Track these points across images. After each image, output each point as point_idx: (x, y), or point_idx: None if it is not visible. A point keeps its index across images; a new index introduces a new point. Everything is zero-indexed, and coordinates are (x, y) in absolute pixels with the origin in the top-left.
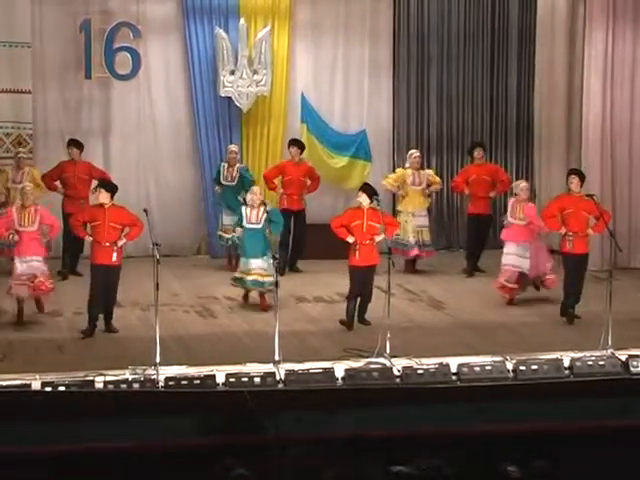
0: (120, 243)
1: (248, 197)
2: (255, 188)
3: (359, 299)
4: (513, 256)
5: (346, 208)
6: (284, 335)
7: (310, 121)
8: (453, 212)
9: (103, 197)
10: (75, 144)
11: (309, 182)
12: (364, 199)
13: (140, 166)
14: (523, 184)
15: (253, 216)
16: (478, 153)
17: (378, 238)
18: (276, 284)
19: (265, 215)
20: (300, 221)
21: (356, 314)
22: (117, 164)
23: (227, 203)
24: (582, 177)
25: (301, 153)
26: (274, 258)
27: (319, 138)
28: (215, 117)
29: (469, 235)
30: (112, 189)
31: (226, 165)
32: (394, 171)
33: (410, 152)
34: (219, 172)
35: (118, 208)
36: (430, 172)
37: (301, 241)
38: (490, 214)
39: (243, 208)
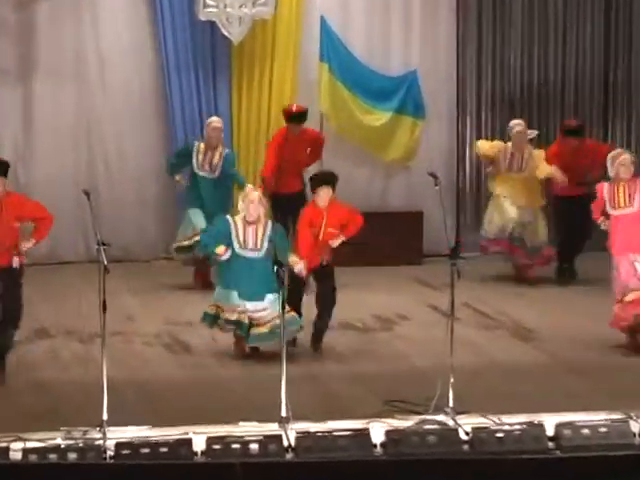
0: (26, 246)
1: (240, 205)
2: (253, 193)
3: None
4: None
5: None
6: (295, 380)
7: (334, 58)
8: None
9: None
10: None
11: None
12: (326, 192)
13: (80, 127)
14: (623, 156)
15: (250, 237)
16: (572, 140)
17: (335, 242)
18: (282, 305)
19: (268, 234)
20: (298, 208)
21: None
22: (44, 122)
23: (200, 203)
24: None
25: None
26: (279, 264)
27: (347, 83)
28: (192, 53)
29: (558, 224)
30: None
31: (202, 146)
32: (458, 135)
33: (510, 124)
34: (187, 153)
35: (15, 197)
36: (539, 153)
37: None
38: (587, 194)
39: (231, 222)
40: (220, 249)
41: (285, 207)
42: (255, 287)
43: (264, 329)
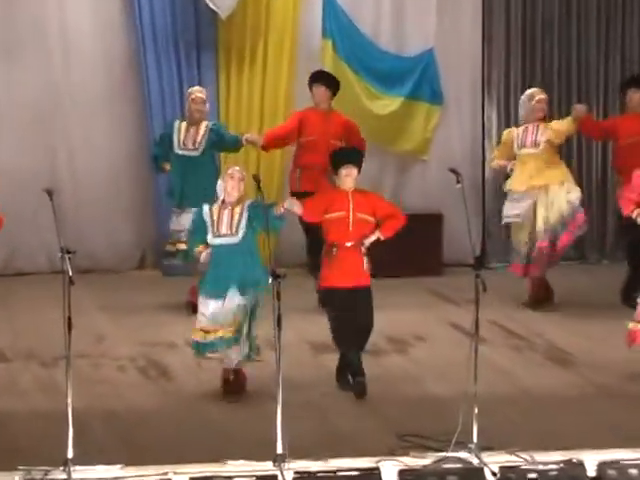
0: None
1: (219, 184)
2: (234, 169)
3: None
4: None
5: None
6: (293, 411)
7: (338, 34)
8: (592, 198)
9: None
10: None
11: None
12: (349, 172)
13: (40, 114)
14: None
15: (224, 222)
16: (634, 96)
17: (369, 240)
18: (278, 320)
19: (246, 216)
20: None
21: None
22: None
23: (183, 190)
24: None
25: (333, 96)
26: (275, 276)
27: (353, 64)
28: (172, 28)
29: (627, 231)
30: None
31: (184, 124)
32: (483, 123)
33: (529, 92)
34: (168, 136)
35: None
36: (556, 123)
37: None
38: None
39: (205, 209)
40: (199, 248)
41: None
42: (220, 280)
43: (225, 333)
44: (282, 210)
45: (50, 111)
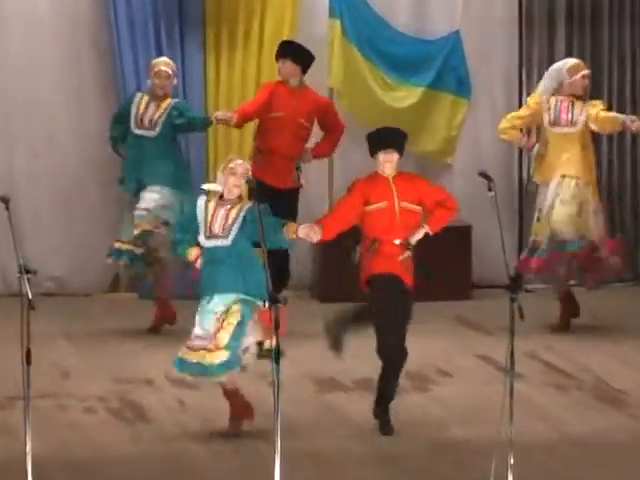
0: None
1: (219, 177)
2: (237, 162)
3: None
4: None
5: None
6: (294, 459)
7: (347, 14)
8: None
9: None
10: None
11: (320, 133)
12: (389, 157)
13: None
14: None
15: (217, 222)
16: None
17: (416, 236)
18: (277, 353)
19: (242, 218)
20: (289, 212)
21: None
22: None
23: (139, 176)
24: None
25: (303, 71)
26: (274, 301)
27: (365, 49)
28: (151, 4)
29: None
30: None
31: (145, 99)
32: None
33: (573, 63)
34: (126, 111)
35: None
36: (596, 103)
37: (287, 257)
38: None
39: (201, 204)
40: (192, 253)
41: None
42: (221, 286)
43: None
44: (294, 237)
45: (9, 110)
